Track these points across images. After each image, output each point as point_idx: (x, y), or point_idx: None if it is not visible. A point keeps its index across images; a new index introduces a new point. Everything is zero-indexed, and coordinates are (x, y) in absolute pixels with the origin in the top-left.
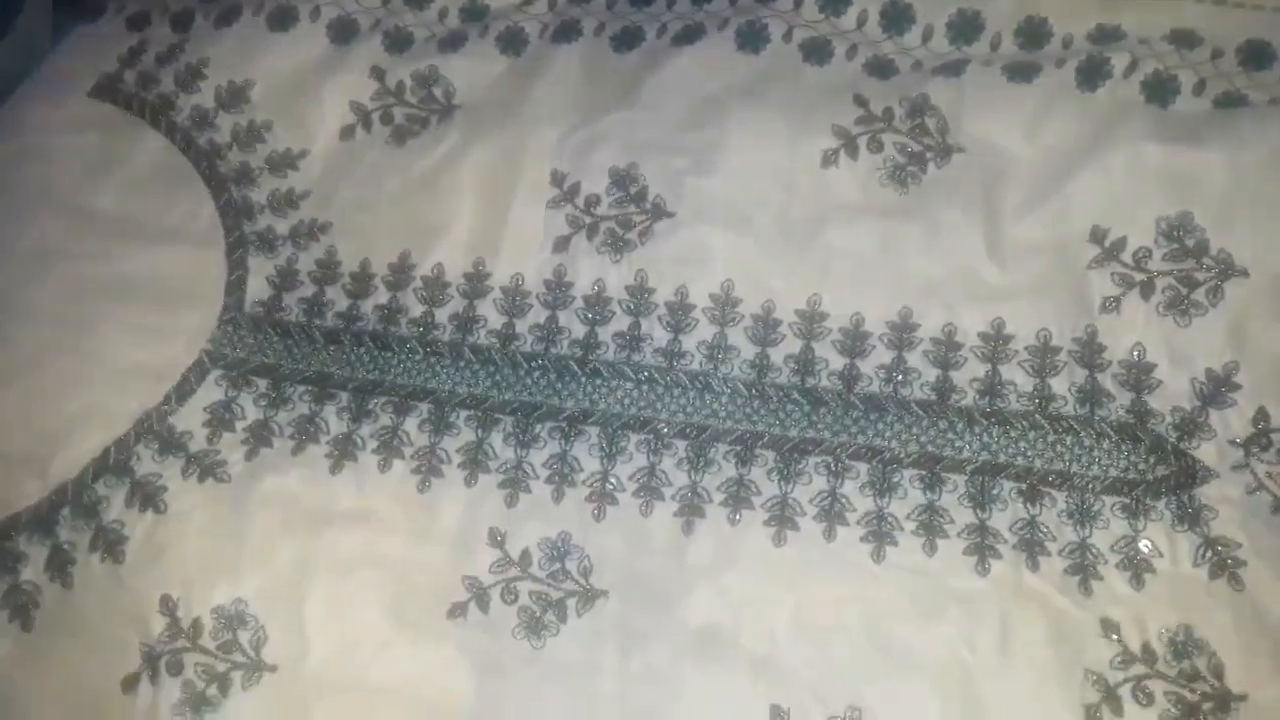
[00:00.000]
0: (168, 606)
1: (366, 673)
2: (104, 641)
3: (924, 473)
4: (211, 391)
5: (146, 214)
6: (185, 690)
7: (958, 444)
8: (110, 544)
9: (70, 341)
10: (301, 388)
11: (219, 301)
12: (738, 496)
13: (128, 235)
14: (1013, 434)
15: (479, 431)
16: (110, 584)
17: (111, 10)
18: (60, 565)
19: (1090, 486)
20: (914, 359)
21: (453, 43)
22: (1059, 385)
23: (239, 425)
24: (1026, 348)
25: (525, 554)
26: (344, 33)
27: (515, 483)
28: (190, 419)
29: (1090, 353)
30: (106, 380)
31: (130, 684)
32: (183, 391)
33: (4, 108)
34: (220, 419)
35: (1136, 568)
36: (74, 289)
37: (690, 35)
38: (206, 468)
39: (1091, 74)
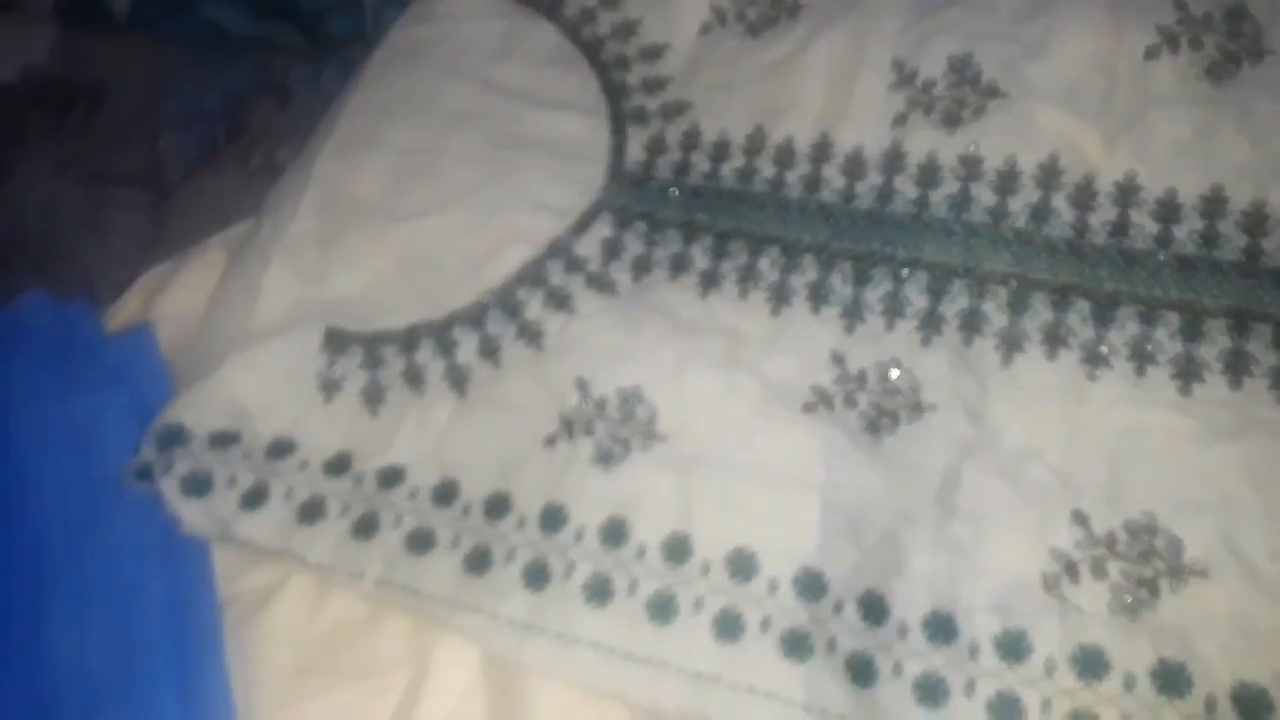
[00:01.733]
0: (580, 384)
1: (737, 452)
2: (528, 408)
3: (1233, 321)
4: (603, 228)
5: (543, 88)
6: (597, 447)
7: (1266, 299)
8: (532, 335)
9: (493, 179)
10: (673, 231)
11: (605, 160)
12: (1054, 336)
13: (530, 102)
14: None
15: (821, 272)
16: (533, 365)
17: None
18: (490, 350)
19: None
20: (1225, 228)
21: None
22: None
23: (625, 256)
24: None
25: (862, 372)
26: None
27: (852, 314)
28: (588, 248)
29: None
30: (523, 211)
31: (551, 441)
32: (581, 226)
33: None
34: (610, 250)
35: None
36: (491, 141)
37: None
38: (603, 285)
39: None
